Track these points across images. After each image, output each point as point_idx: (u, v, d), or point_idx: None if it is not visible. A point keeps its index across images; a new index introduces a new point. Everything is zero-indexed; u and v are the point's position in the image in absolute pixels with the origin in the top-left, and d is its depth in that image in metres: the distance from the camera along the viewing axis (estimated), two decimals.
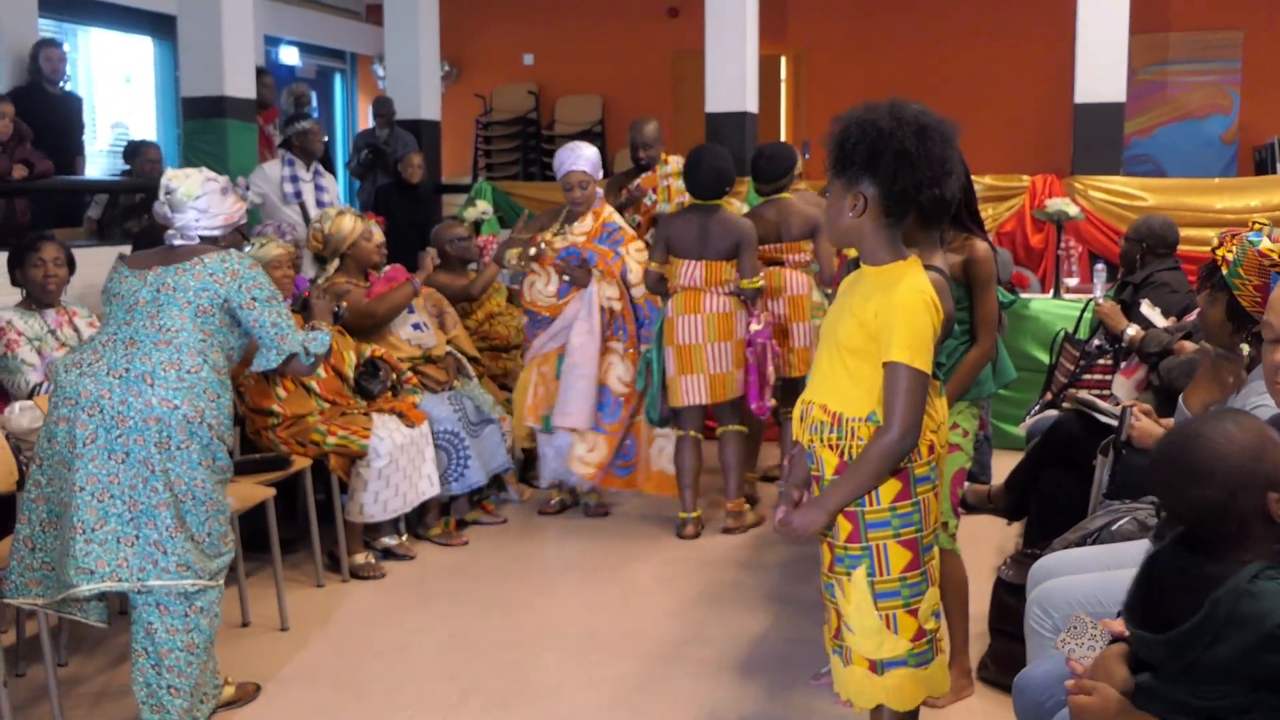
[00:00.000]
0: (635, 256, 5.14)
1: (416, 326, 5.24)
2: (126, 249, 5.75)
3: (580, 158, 5.12)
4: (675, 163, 6.05)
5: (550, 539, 5.11)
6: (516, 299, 6.19)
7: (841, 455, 2.37)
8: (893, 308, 2.30)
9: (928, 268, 2.47)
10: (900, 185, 2.30)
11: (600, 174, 5.18)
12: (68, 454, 3.01)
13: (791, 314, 5.26)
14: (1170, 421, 3.51)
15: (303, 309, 4.48)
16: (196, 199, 3.24)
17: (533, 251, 5.12)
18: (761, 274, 5.04)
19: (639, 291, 5.11)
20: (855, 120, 2.34)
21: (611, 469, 5.21)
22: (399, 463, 4.56)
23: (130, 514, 3.00)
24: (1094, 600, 2.51)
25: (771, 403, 5.00)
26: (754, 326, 4.98)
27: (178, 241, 3.24)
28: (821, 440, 2.39)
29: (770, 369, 4.97)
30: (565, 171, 5.11)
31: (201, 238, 3.25)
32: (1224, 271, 3.02)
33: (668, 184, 5.96)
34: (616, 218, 5.23)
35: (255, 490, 3.98)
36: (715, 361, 4.97)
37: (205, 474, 3.08)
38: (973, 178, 3.41)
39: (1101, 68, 7.54)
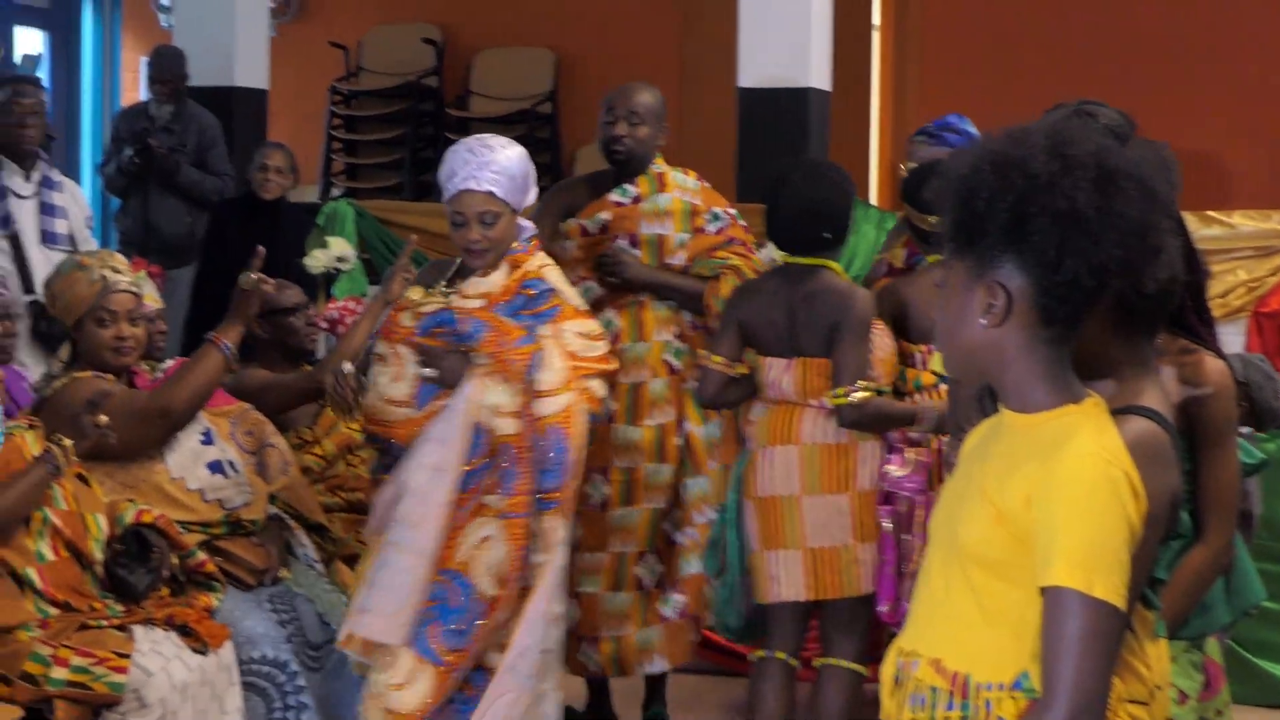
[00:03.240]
0: (574, 343, 5.00)
1: (215, 468, 5.28)
2: None
3: (486, 167, 4.93)
4: (681, 183, 6.04)
5: None
6: None
7: None
8: (1057, 490, 2.37)
9: (1127, 412, 2.57)
10: (1068, 272, 2.39)
11: (528, 198, 5.09)
12: None
13: None
14: None
15: None
16: None
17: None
18: (876, 377, 5.18)
19: (556, 406, 4.92)
20: (989, 158, 2.45)
21: None
22: (179, 716, 4.60)
23: None
24: None
25: None
26: (893, 470, 5.12)
27: None
28: None
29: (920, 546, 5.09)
30: (457, 190, 4.97)
31: None
32: None
33: (661, 232, 5.92)
34: (552, 274, 5.13)
35: None
36: (820, 526, 5.11)
37: None
38: (1205, 220, 3.51)
39: None
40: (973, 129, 6.52)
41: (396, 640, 4.79)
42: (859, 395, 5.06)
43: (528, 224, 5.12)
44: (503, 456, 4.89)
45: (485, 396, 4.87)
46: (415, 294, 5.05)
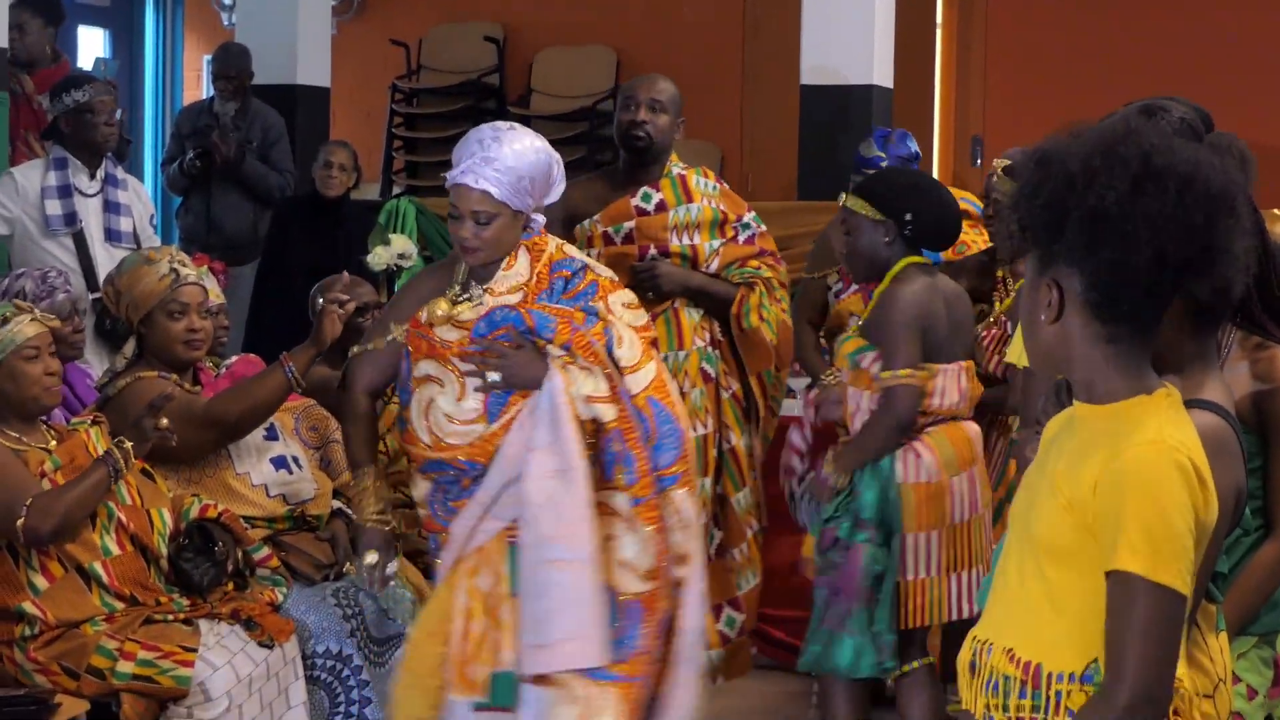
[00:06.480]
0: (626, 315, 4.77)
1: (280, 463, 5.31)
2: None
3: (489, 163, 4.56)
4: (705, 189, 5.93)
5: None
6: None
7: None
8: (1123, 477, 2.39)
9: (1194, 405, 2.58)
10: (1108, 272, 2.42)
11: (547, 196, 4.79)
12: None
13: None
14: None
15: None
16: None
17: (394, 334, 4.69)
18: None
19: (646, 378, 4.70)
20: (1037, 156, 2.50)
21: None
22: (244, 709, 4.65)
23: None
24: None
25: None
26: None
27: None
28: (1006, 711, 2.48)
29: None
30: (454, 182, 4.65)
31: None
32: None
33: (694, 243, 5.82)
34: (573, 249, 4.95)
35: None
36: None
37: None
38: (1270, 219, 3.47)
39: None
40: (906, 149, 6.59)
41: (607, 657, 4.55)
42: None
43: (539, 218, 4.80)
44: (608, 445, 4.64)
45: (576, 387, 4.59)
46: (441, 306, 4.68)
